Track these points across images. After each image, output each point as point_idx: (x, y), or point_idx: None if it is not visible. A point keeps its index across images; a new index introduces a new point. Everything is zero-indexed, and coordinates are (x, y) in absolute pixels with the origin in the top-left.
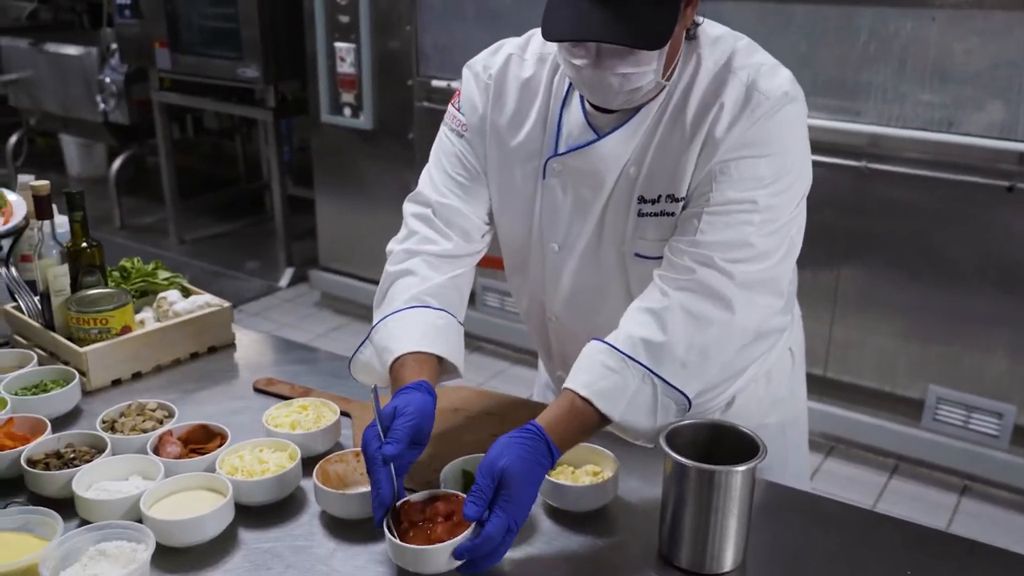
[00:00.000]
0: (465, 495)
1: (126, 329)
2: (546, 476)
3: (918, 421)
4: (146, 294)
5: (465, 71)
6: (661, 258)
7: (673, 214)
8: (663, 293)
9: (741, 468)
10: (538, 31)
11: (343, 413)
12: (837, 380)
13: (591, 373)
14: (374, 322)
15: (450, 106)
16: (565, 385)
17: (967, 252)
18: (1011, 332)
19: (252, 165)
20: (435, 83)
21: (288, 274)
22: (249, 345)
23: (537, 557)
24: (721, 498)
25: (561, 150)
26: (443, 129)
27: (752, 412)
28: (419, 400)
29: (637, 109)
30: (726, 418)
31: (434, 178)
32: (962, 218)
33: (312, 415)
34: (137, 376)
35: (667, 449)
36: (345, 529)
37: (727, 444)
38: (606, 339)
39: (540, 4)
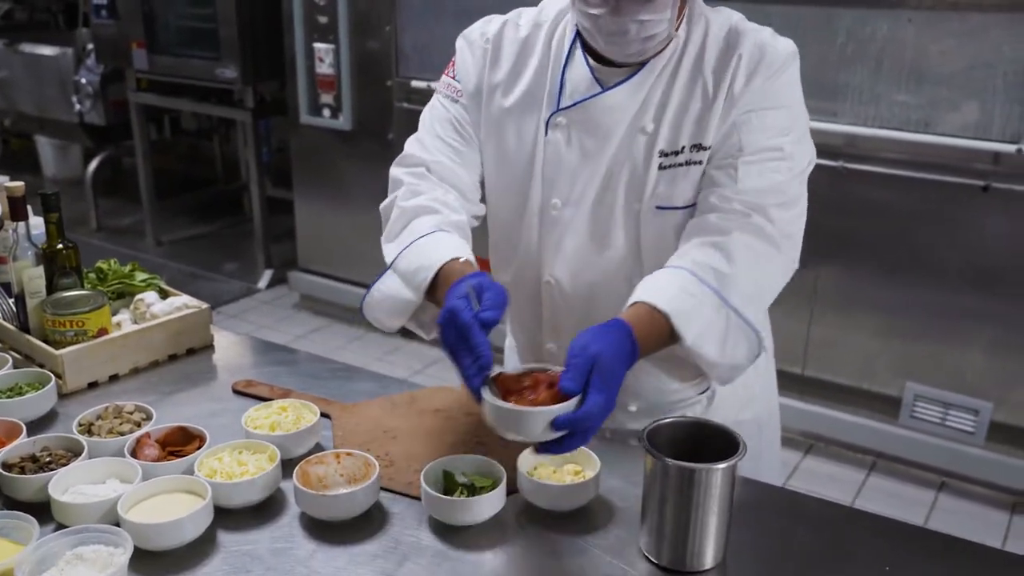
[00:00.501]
0: (560, 370)
1: (102, 331)
2: (527, 475)
3: (896, 418)
4: (123, 296)
5: (460, 41)
6: (686, 207)
7: (700, 163)
8: (724, 230)
9: (721, 466)
10: (524, 8)
11: (323, 414)
12: (816, 378)
13: (668, 292)
14: (393, 254)
15: (444, 76)
16: (639, 298)
17: (943, 251)
18: (987, 329)
19: (230, 166)
20: (415, 84)
21: (267, 276)
22: (228, 347)
23: (519, 556)
24: (701, 496)
25: (565, 104)
26: (436, 98)
27: (730, 408)
28: (496, 283)
29: (642, 65)
30: (707, 414)
31: (425, 142)
32: (938, 217)
33: (292, 416)
34: (114, 378)
35: (647, 447)
36: (325, 531)
37: (707, 442)
38: (678, 265)
39: (517, 3)
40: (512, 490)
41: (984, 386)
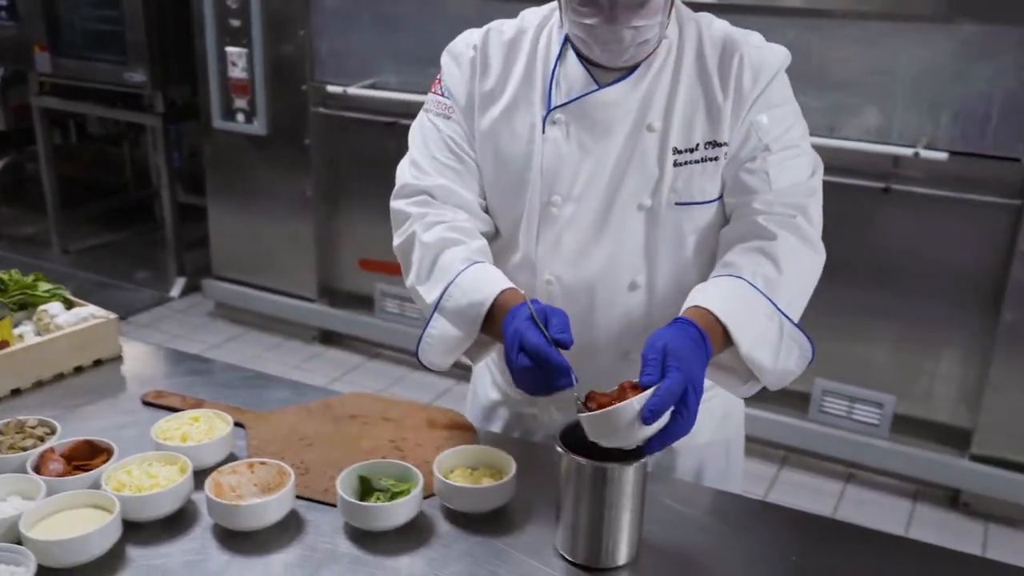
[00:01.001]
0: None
1: (3, 344)
2: (444, 479)
3: (805, 413)
4: (25, 307)
5: (444, 56)
6: (705, 203)
7: (717, 159)
8: (770, 233)
9: (633, 464)
10: (501, 21)
11: (237, 424)
12: None
13: (723, 298)
14: (433, 295)
15: (430, 94)
16: (697, 304)
17: (848, 251)
18: (890, 325)
19: (140, 172)
20: (330, 88)
21: (180, 284)
22: (138, 357)
23: (437, 560)
24: (614, 494)
25: (562, 101)
26: (424, 118)
27: (705, 428)
28: (556, 307)
29: (638, 64)
30: (690, 436)
31: (422, 167)
32: (843, 218)
33: (204, 426)
34: (16, 392)
35: (561, 447)
36: (239, 542)
37: None
38: (732, 274)
39: (435, 9)
40: (429, 494)
41: (888, 380)
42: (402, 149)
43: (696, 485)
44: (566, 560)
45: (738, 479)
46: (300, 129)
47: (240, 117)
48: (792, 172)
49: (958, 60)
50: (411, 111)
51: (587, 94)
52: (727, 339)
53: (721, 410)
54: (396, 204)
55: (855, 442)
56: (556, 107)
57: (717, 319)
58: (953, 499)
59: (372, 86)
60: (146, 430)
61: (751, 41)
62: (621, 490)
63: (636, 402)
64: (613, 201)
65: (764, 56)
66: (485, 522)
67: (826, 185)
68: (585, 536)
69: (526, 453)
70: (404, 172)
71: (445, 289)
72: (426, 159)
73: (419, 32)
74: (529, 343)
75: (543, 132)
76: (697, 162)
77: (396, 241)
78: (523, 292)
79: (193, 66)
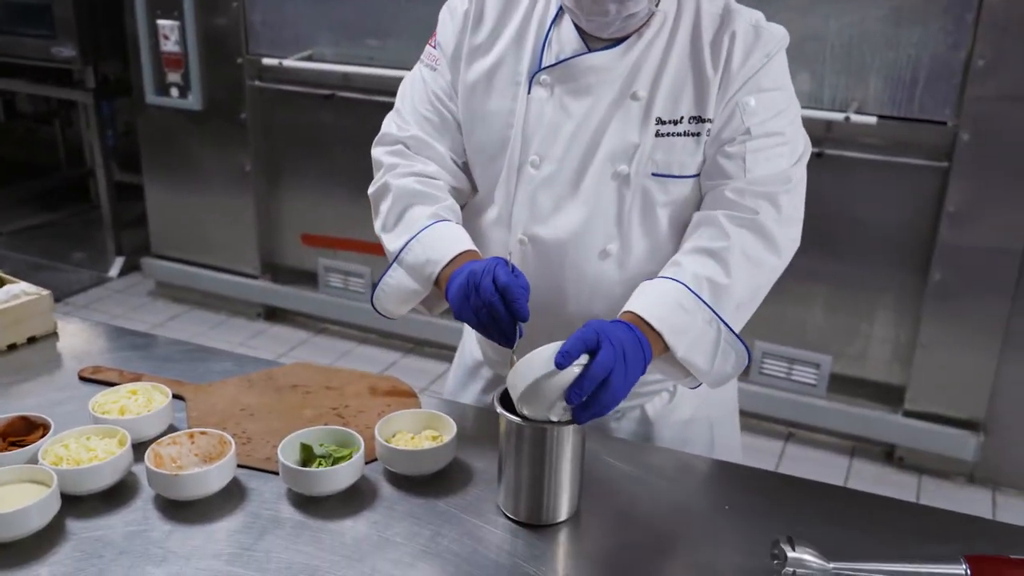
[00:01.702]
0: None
1: None
2: (385, 442)
3: (746, 375)
4: None
5: (443, 11)
6: (682, 177)
7: (699, 134)
8: (724, 234)
9: (571, 424)
10: None
11: (177, 396)
12: None
13: (664, 308)
14: (396, 246)
15: (427, 46)
16: (635, 311)
17: None
18: (825, 288)
19: (74, 151)
20: (266, 61)
21: (118, 263)
22: (75, 334)
23: (380, 522)
24: (553, 453)
25: (550, 62)
26: (416, 69)
27: (687, 405)
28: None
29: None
30: (669, 411)
31: (403, 117)
32: None
33: (142, 400)
34: None
35: (500, 409)
36: (181, 511)
37: None
38: (675, 277)
39: None
40: (372, 459)
41: (825, 341)
42: (340, 122)
43: (636, 444)
44: (508, 518)
45: (733, 456)
46: (236, 103)
47: (174, 92)
48: (771, 161)
49: (887, 25)
50: (349, 83)
51: (574, 57)
52: (664, 344)
53: (704, 390)
54: (375, 152)
55: (794, 402)
56: (543, 68)
57: (650, 326)
58: (888, 454)
59: (309, 58)
60: (83, 405)
61: (748, 18)
62: (560, 449)
63: (548, 347)
64: (589, 165)
65: (759, 35)
66: (427, 484)
67: None
68: (526, 495)
69: (469, 416)
70: (388, 121)
71: (407, 242)
72: (408, 110)
73: (355, 2)
74: (501, 277)
75: (528, 92)
76: (679, 135)
77: (370, 188)
78: (479, 254)
79: (124, 40)
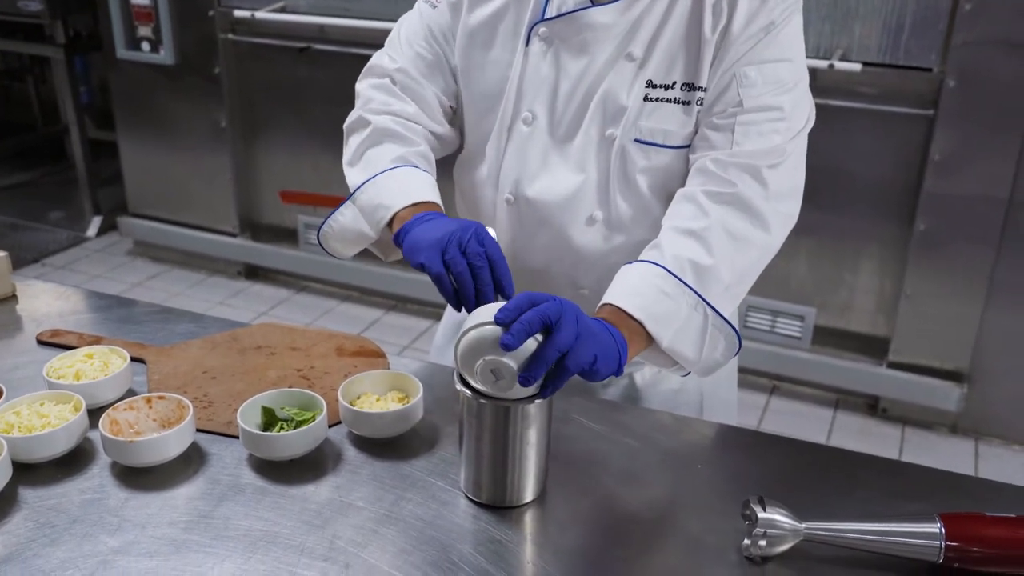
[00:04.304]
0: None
1: None
2: (349, 405)
3: None
4: None
5: None
6: (667, 147)
7: (689, 103)
8: (703, 212)
9: (536, 400)
10: None
11: (135, 359)
12: None
13: (645, 296)
14: (354, 183)
15: None
16: (613, 302)
17: None
18: (808, 240)
19: (49, 108)
20: (238, 13)
21: (96, 223)
22: (34, 296)
23: (343, 486)
24: (517, 432)
25: (551, 15)
26: (416, 5)
27: (676, 375)
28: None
29: None
30: (658, 380)
31: (395, 49)
32: None
33: (99, 363)
34: None
35: (459, 385)
36: (138, 478)
37: None
38: (654, 260)
39: None
40: (336, 422)
41: (808, 293)
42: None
43: (608, 403)
44: (470, 499)
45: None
46: (209, 57)
47: (145, 46)
48: (763, 136)
49: None
50: (324, 35)
51: (576, 11)
52: (649, 335)
53: None
54: (359, 85)
55: (778, 355)
56: (543, 20)
57: (631, 316)
58: (872, 406)
59: (282, 9)
60: (40, 370)
61: None
62: (524, 428)
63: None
64: (579, 126)
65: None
66: (392, 448)
67: None
68: (489, 477)
69: (442, 376)
70: (379, 54)
71: (364, 182)
72: (402, 43)
73: None
74: (490, 246)
75: (526, 44)
76: (669, 101)
77: (347, 120)
78: (438, 204)
79: None
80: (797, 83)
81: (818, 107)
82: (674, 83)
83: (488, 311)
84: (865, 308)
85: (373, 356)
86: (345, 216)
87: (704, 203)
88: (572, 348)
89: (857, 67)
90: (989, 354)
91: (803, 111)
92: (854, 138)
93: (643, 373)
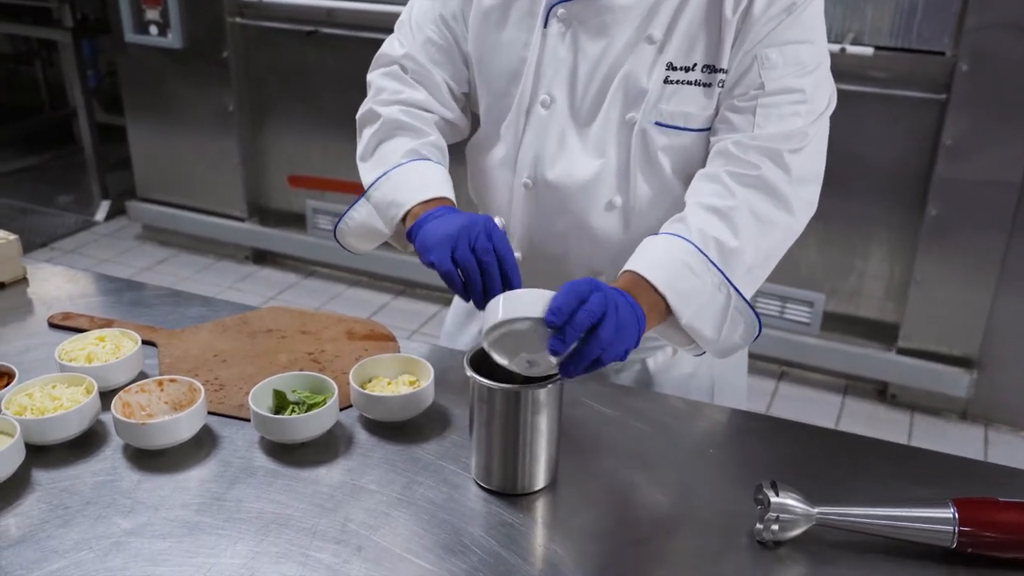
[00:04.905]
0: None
1: None
2: (360, 388)
3: None
4: None
5: None
6: (688, 130)
7: (710, 85)
8: (729, 192)
9: (546, 386)
10: None
11: (146, 342)
12: None
13: (670, 269)
14: (368, 180)
15: None
16: (638, 271)
17: None
18: (818, 225)
19: (56, 92)
20: None
21: (104, 207)
22: (45, 279)
23: (354, 469)
24: (528, 419)
25: None
26: None
27: (690, 360)
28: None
29: None
30: (671, 365)
31: (405, 35)
32: None
33: (110, 346)
34: None
35: (470, 372)
36: (151, 460)
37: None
38: (681, 234)
39: None
40: (347, 405)
41: (818, 279)
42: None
43: (619, 387)
44: (480, 486)
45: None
46: (218, 41)
47: (153, 30)
48: (784, 119)
49: None
50: (332, 18)
51: None
52: (668, 309)
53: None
54: (370, 75)
55: (787, 340)
56: (562, 1)
57: (654, 288)
58: (881, 392)
59: None
60: (52, 353)
61: None
62: (535, 414)
63: (534, 293)
64: (599, 109)
65: None
66: (404, 431)
67: None
68: (499, 464)
69: (453, 360)
70: (389, 40)
71: (378, 178)
72: (413, 28)
73: None
74: (499, 240)
75: (544, 26)
76: (690, 83)
77: (359, 112)
78: (450, 199)
79: None
80: (819, 65)
81: None
82: (695, 65)
83: (525, 302)
84: (875, 294)
85: (384, 340)
86: (360, 213)
87: (729, 183)
88: (611, 343)
89: (869, 51)
90: (999, 340)
91: (824, 93)
92: (865, 123)
93: (655, 358)
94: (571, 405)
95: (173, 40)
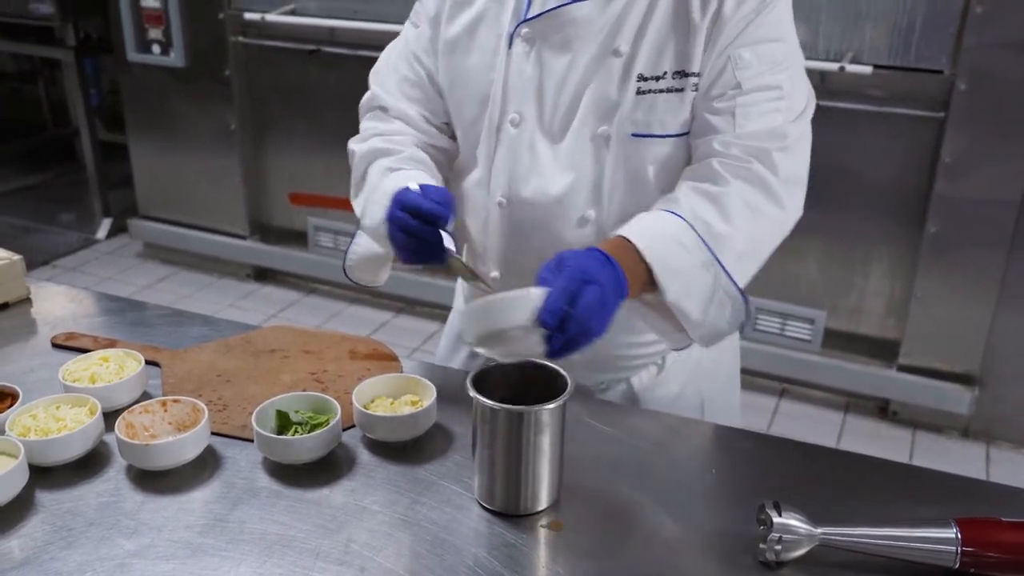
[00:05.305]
0: None
1: None
2: (363, 409)
3: (740, 332)
4: None
5: None
6: (665, 136)
7: (683, 90)
8: (721, 178)
9: (549, 406)
10: None
11: (150, 362)
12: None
13: (660, 240)
14: (358, 210)
15: (416, 1)
16: (627, 235)
17: None
18: (819, 242)
19: (59, 110)
20: (248, 16)
21: (106, 225)
22: (48, 299)
23: (358, 490)
24: (531, 439)
25: (532, 14)
26: (405, 25)
27: (677, 379)
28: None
29: None
30: (656, 384)
31: (380, 78)
32: None
33: (114, 367)
34: None
35: (473, 392)
36: (154, 481)
37: (537, 384)
38: (673, 211)
39: None
40: (350, 425)
41: (818, 296)
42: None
43: (620, 406)
44: (483, 507)
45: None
46: (220, 60)
47: (156, 49)
48: (764, 116)
49: None
50: (334, 38)
51: (558, 7)
52: (654, 281)
53: (694, 362)
54: (361, 119)
55: (788, 358)
56: (525, 20)
57: (641, 256)
58: (882, 409)
59: (292, 12)
60: (55, 373)
61: None
62: (538, 435)
63: (520, 296)
64: (570, 125)
65: None
66: (406, 451)
67: None
68: (502, 484)
69: (454, 380)
70: (371, 80)
71: (364, 206)
72: (389, 70)
73: None
74: (408, 198)
75: (509, 47)
76: (661, 91)
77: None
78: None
79: None
80: (792, 63)
81: (829, 110)
82: (665, 73)
83: (515, 308)
84: (875, 311)
85: (386, 359)
86: (360, 244)
87: (721, 172)
88: (597, 325)
89: (868, 69)
90: (1000, 357)
91: (802, 91)
92: (864, 140)
93: (640, 377)
94: (571, 423)
95: (175, 59)
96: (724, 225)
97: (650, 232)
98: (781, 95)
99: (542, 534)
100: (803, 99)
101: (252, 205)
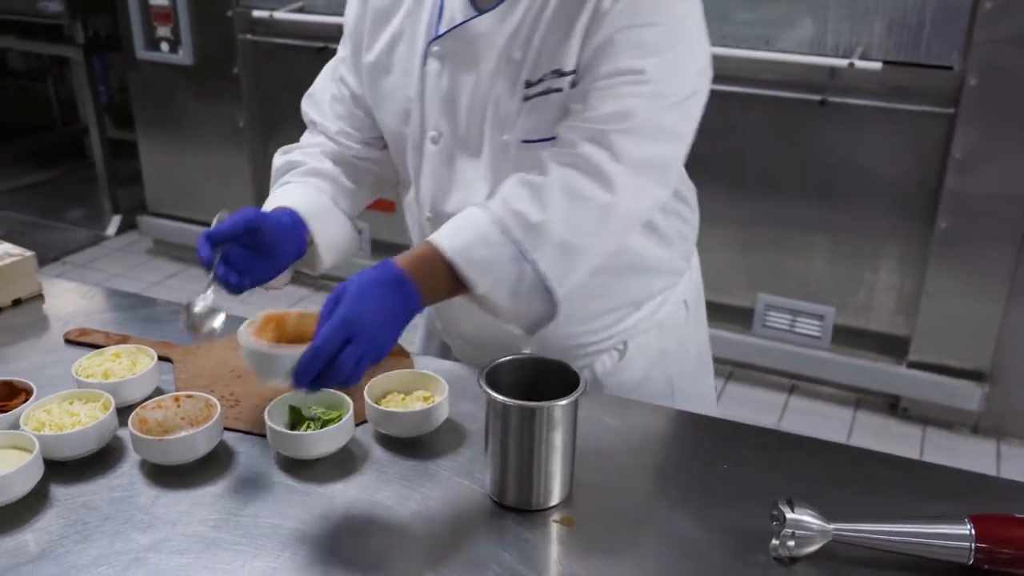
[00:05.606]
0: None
1: None
2: (375, 404)
3: (749, 328)
4: None
5: None
6: (551, 139)
7: (560, 90)
8: (545, 167)
9: (562, 402)
10: None
11: (162, 358)
12: None
13: (464, 238)
14: None
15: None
16: (433, 240)
17: (786, 164)
18: (828, 238)
19: (68, 108)
20: (256, 14)
21: (115, 222)
22: (60, 295)
23: (370, 485)
24: (543, 435)
25: (441, 31)
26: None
27: (639, 366)
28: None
29: None
30: (619, 369)
31: (312, 104)
32: (780, 132)
33: (127, 362)
34: None
35: (485, 387)
36: (168, 476)
37: (549, 379)
38: (485, 206)
39: None
40: (362, 421)
41: (828, 292)
42: None
43: (632, 401)
44: (495, 503)
45: (705, 409)
46: (228, 58)
47: (164, 47)
48: (618, 99)
49: None
50: (341, 35)
51: (460, 25)
52: (462, 281)
53: (657, 347)
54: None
55: (798, 354)
56: (434, 38)
57: (443, 255)
58: (892, 406)
59: (300, 10)
60: (68, 369)
61: None
62: (551, 431)
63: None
64: (481, 139)
65: None
66: (418, 446)
67: (763, 99)
68: (515, 480)
69: (462, 375)
70: (303, 99)
71: None
72: (319, 89)
73: None
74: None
75: (423, 65)
76: (541, 94)
77: None
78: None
79: None
80: (670, 48)
81: (838, 106)
82: (544, 75)
83: (272, 364)
84: (885, 307)
85: (397, 356)
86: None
87: (547, 162)
88: (363, 364)
89: (877, 65)
90: (1011, 353)
91: (680, 79)
92: (874, 137)
93: (603, 361)
94: (582, 419)
95: (184, 56)
96: (540, 214)
97: (454, 231)
98: (643, 79)
99: (554, 529)
100: (681, 86)
101: (261, 202)
